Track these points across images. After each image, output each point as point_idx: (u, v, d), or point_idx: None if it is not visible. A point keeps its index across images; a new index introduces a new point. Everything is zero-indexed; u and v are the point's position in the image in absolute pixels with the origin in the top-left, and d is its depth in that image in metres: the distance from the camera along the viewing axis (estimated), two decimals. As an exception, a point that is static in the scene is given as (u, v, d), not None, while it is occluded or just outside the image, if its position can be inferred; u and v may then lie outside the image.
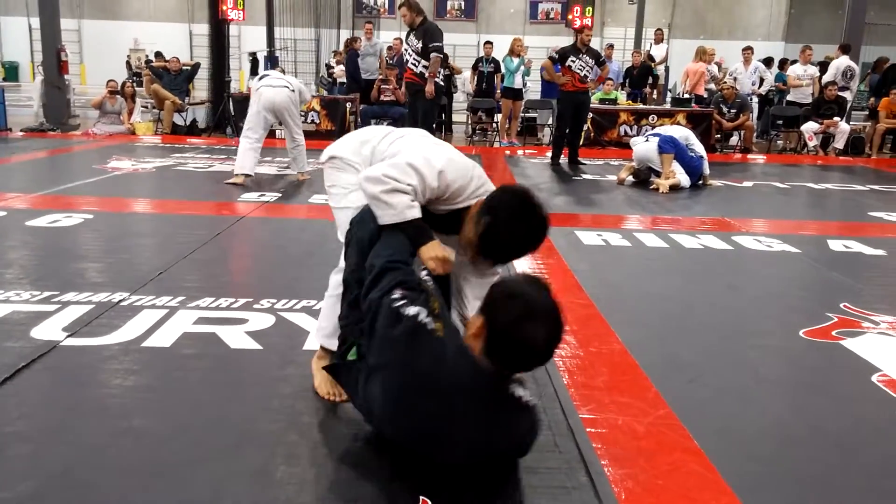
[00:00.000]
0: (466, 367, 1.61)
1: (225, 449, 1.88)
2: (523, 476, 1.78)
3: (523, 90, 10.91)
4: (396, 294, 1.71)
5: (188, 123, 10.67)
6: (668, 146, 6.60)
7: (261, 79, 6.49)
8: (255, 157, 6.28)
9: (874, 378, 2.47)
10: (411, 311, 1.67)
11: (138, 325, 2.70)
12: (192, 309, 2.90)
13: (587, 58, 7.89)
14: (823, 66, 10.83)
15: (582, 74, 7.88)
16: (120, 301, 2.97)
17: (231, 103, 10.24)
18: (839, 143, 9.91)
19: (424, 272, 1.87)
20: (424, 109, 6.99)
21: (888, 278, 3.84)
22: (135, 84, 11.09)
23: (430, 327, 1.65)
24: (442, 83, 7.22)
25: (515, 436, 1.71)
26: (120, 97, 10.14)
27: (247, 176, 6.19)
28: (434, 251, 1.91)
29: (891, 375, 2.48)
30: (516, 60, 10.43)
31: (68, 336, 2.58)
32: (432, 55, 6.74)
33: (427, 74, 6.77)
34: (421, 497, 1.65)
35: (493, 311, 1.61)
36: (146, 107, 10.93)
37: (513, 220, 1.87)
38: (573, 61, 7.83)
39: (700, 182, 6.83)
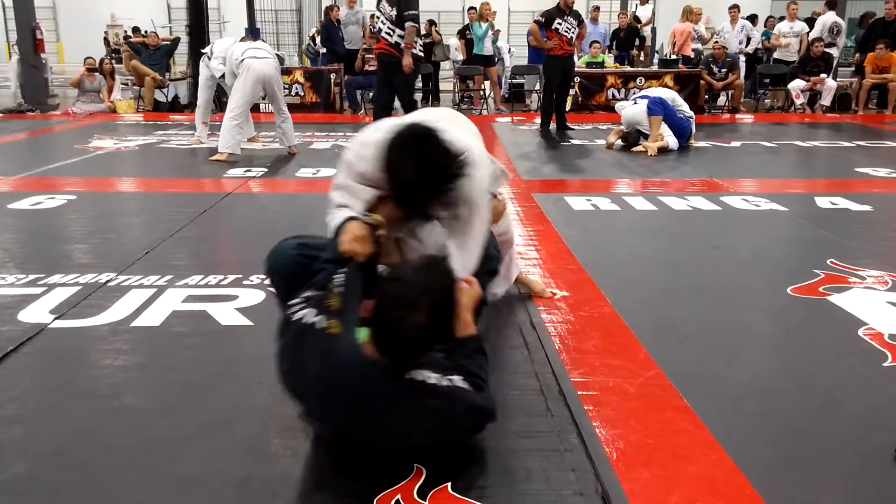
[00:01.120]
0: (354, 360, 1.56)
1: (217, 424, 1.88)
2: (516, 440, 1.80)
3: (496, 57, 10.75)
4: (295, 301, 1.70)
5: (170, 100, 10.52)
6: (658, 108, 6.57)
7: (245, 56, 6.29)
8: (240, 135, 6.18)
9: (860, 332, 2.49)
10: (298, 314, 1.65)
11: (127, 305, 2.69)
12: (180, 287, 2.89)
13: (571, 19, 7.78)
14: (810, 22, 10.75)
15: (569, 36, 7.79)
16: (107, 281, 2.95)
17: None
18: (826, 100, 9.89)
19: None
20: (405, 85, 6.41)
21: (875, 233, 3.86)
22: (113, 61, 10.90)
23: (320, 326, 1.61)
24: (421, 53, 6.60)
25: (447, 419, 1.63)
26: (99, 75, 9.97)
27: (231, 154, 6.08)
28: (343, 236, 1.79)
29: (876, 329, 2.51)
30: (484, 25, 10.26)
31: (56, 318, 2.57)
32: (407, 25, 6.16)
33: (403, 46, 6.20)
34: (416, 465, 1.67)
35: (376, 297, 1.56)
36: (126, 84, 10.76)
37: (398, 154, 1.76)
38: (559, 24, 7.72)
39: (687, 143, 6.82)
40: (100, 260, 3.27)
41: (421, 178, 1.75)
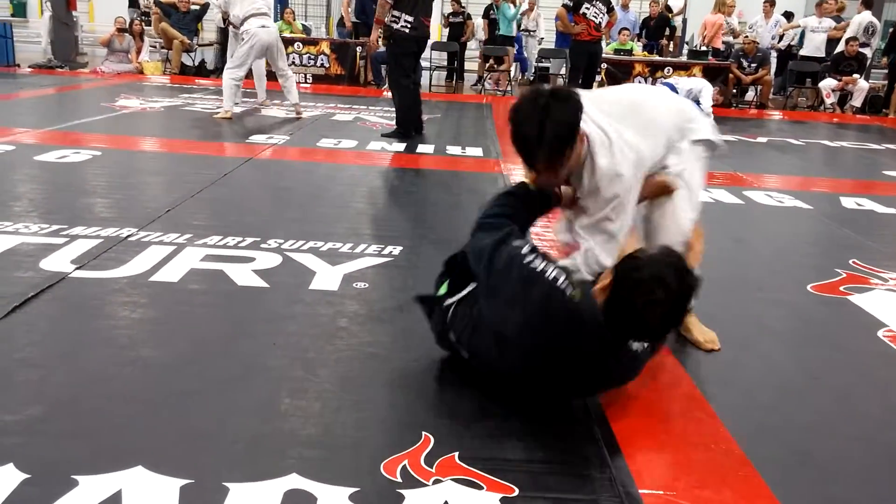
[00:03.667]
0: (597, 334, 1.64)
1: (230, 381, 1.89)
2: (524, 417, 1.80)
3: (524, 37, 10.75)
4: (524, 248, 1.72)
5: (197, 64, 10.53)
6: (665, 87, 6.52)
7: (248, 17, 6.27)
8: (239, 94, 6.59)
9: (880, 333, 2.46)
10: (548, 271, 1.67)
11: (146, 260, 2.71)
12: (199, 246, 2.91)
13: (600, 4, 7.67)
14: (837, 20, 10.53)
15: (597, 22, 7.68)
16: (128, 236, 2.97)
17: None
18: (857, 101, 9.72)
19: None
20: (389, 60, 5.87)
21: (900, 237, 3.81)
22: (143, 22, 10.91)
23: (569, 293, 1.64)
24: (406, 29, 5.53)
25: (632, 374, 1.84)
26: (128, 35, 10.00)
27: (232, 113, 6.38)
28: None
29: (896, 331, 2.48)
30: (513, 8, 10.15)
31: (77, 268, 2.59)
32: None
33: (374, 20, 5.69)
34: (424, 433, 1.67)
35: (622, 276, 1.60)
36: (154, 46, 10.78)
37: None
38: (587, 8, 7.62)
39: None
40: (121, 215, 3.29)
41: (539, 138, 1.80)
